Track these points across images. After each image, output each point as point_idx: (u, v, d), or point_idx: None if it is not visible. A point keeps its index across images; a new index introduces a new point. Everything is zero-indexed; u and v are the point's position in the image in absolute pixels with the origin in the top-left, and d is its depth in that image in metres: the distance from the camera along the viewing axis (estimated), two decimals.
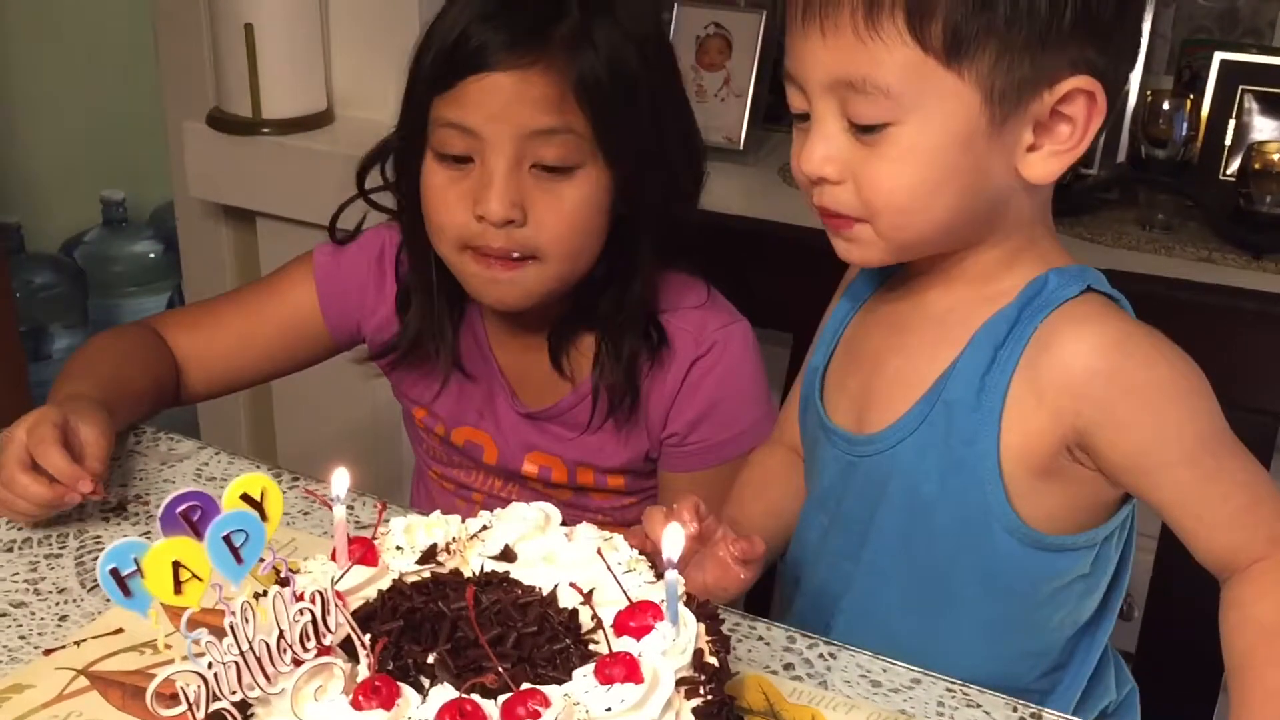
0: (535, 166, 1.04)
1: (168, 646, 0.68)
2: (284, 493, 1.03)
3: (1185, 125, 1.63)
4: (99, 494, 0.94)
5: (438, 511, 0.81)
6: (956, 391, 0.85)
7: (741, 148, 1.82)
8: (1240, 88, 1.62)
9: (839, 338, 0.97)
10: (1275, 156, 1.55)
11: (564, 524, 0.82)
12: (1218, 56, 1.62)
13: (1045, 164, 0.81)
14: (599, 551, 0.75)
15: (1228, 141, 1.65)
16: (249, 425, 2.24)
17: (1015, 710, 0.84)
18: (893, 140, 0.79)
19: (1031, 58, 0.77)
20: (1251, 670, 0.80)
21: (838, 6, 0.77)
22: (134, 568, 0.62)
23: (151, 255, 2.93)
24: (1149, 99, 1.65)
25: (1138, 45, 0.83)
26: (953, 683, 0.86)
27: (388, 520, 0.79)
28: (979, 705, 0.84)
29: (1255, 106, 1.63)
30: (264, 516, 0.65)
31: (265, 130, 1.93)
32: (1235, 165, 1.62)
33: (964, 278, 0.87)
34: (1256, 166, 1.55)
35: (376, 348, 1.22)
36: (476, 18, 1.03)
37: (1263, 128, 1.64)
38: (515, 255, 1.06)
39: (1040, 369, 0.82)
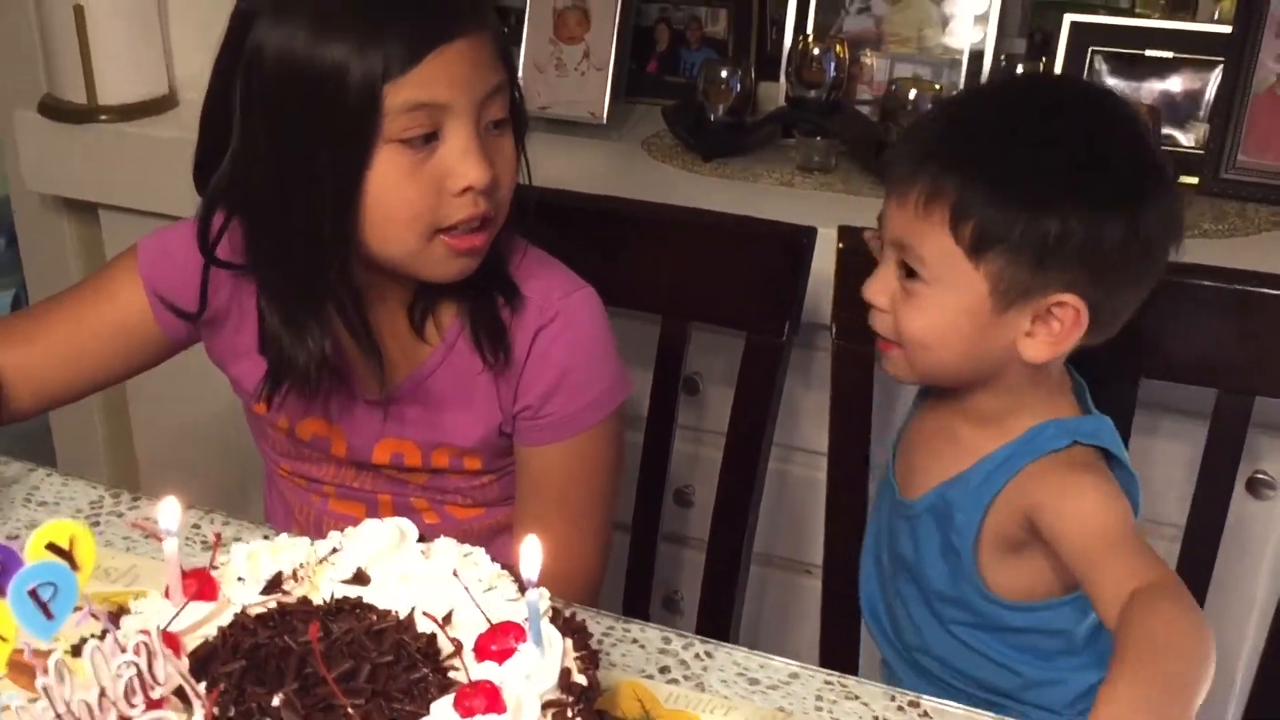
0: (484, 127, 1.02)
1: None
2: (123, 514, 0.98)
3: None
4: None
5: (284, 535, 0.76)
6: (956, 496, 1.07)
7: (605, 121, 1.78)
8: (1090, 49, 1.63)
9: (909, 421, 1.20)
10: None
11: (421, 539, 0.78)
12: (1068, 19, 1.64)
13: (1037, 349, 1.01)
14: (455, 573, 0.71)
15: None
16: (105, 430, 2.13)
17: (893, 699, 0.83)
18: (922, 294, 1.02)
19: (1033, 271, 0.97)
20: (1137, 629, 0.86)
21: (909, 189, 1.00)
22: None
23: None
24: (1003, 62, 1.65)
25: (1141, 281, 1.02)
26: (830, 675, 0.85)
27: (226, 548, 0.74)
28: (857, 697, 0.83)
29: (1105, 67, 1.65)
30: (75, 565, 0.60)
31: (103, 117, 1.84)
32: None
33: (979, 414, 1.08)
34: None
35: (214, 344, 1.16)
36: None
37: (1113, 88, 1.66)
38: (490, 216, 1.03)
39: (1015, 496, 1.04)
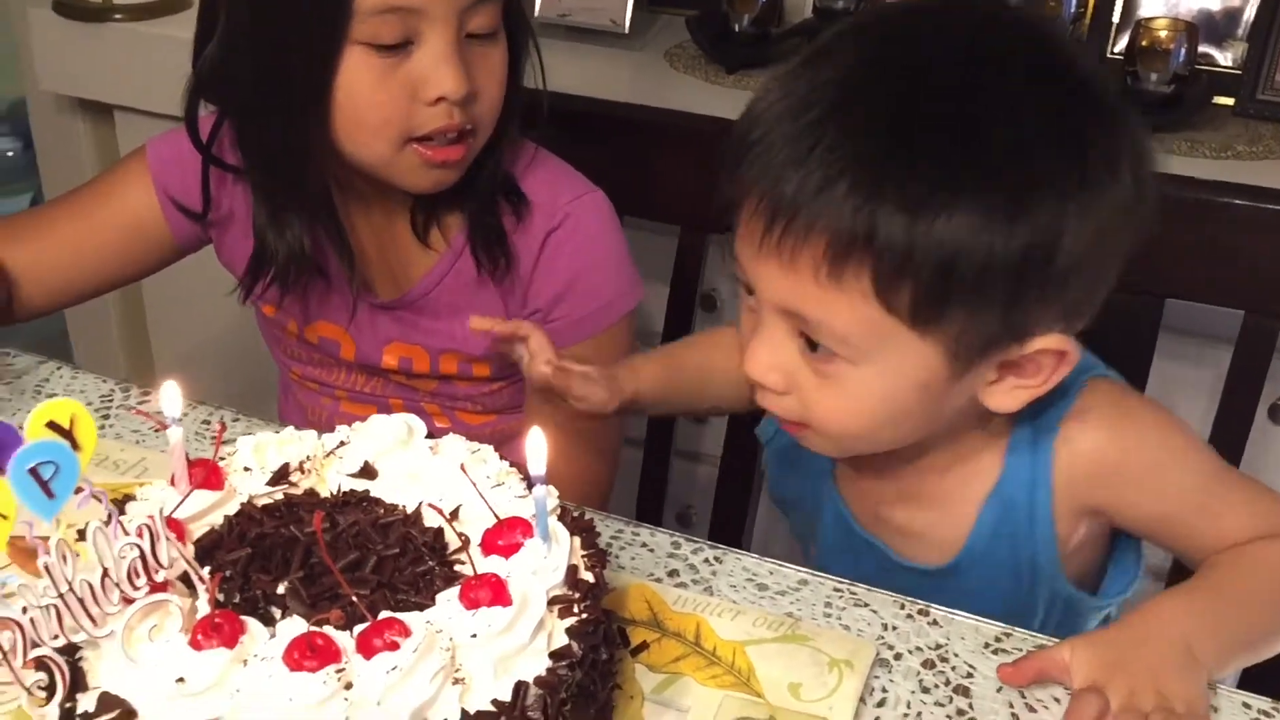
0: (468, 37, 0.99)
1: None
2: (133, 408, 0.98)
3: (1074, 3, 1.59)
4: None
5: (290, 428, 0.75)
6: (1015, 520, 0.85)
7: (627, 31, 1.74)
8: None
9: (834, 469, 0.95)
10: (1162, 34, 1.52)
11: (429, 436, 0.77)
12: None
13: (1008, 397, 0.78)
14: (462, 467, 0.70)
15: (1115, 19, 1.62)
16: (120, 330, 2.13)
17: (903, 607, 0.82)
18: (844, 375, 0.75)
19: (1001, 317, 0.73)
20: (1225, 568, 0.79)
21: (800, 248, 0.71)
22: None
23: (9, 154, 2.76)
24: None
25: (1107, 290, 0.79)
26: (840, 582, 0.84)
27: (232, 441, 0.73)
28: (867, 604, 0.82)
29: None
30: (76, 445, 0.59)
31: (117, 16, 1.81)
32: (1123, 43, 1.59)
33: (946, 462, 0.86)
34: (1144, 44, 1.52)
35: (224, 245, 1.14)
36: None
37: (1150, 5, 1.61)
38: (468, 128, 1.00)
39: (1066, 488, 0.84)
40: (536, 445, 0.65)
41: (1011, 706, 0.74)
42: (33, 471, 0.56)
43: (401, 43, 0.96)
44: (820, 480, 0.94)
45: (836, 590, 0.83)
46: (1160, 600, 0.76)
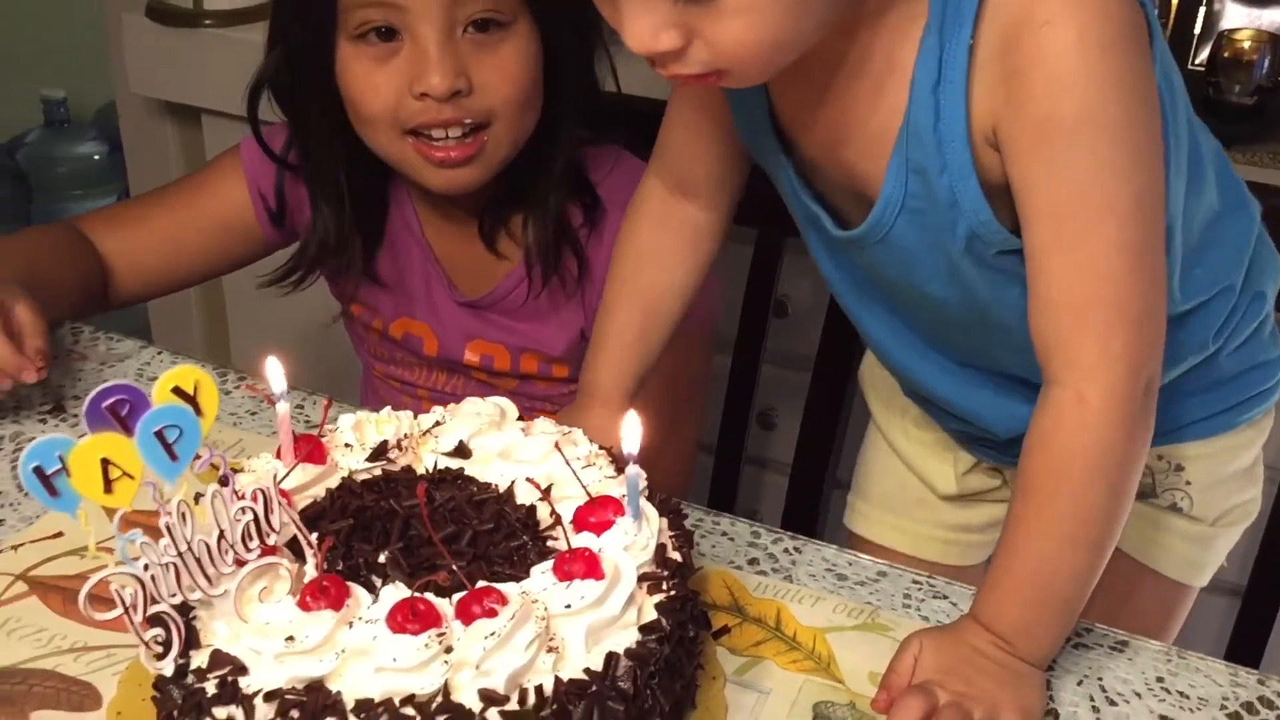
0: (468, 28, 1.00)
1: (103, 552, 0.65)
2: (229, 392, 1.01)
3: (1155, 14, 1.59)
4: (42, 374, 0.93)
5: (388, 408, 0.78)
6: (922, 149, 0.72)
7: None
8: None
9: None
10: (1245, 44, 1.51)
11: (520, 419, 0.79)
12: None
13: None
14: (557, 446, 0.72)
15: (1197, 30, 1.62)
16: (202, 325, 2.19)
17: None
18: None
19: None
20: (1008, 527, 0.75)
21: None
22: (59, 466, 0.58)
23: (96, 156, 2.83)
24: None
25: None
26: (919, 574, 0.85)
27: (335, 418, 0.75)
28: (945, 596, 0.83)
29: None
30: (199, 411, 0.62)
31: (208, 22, 1.86)
32: (1204, 54, 1.58)
33: (860, 60, 0.73)
34: (1226, 55, 1.51)
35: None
36: None
37: (1233, 15, 1.60)
38: (468, 122, 1.01)
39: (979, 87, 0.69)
40: (631, 426, 0.67)
41: (1093, 700, 0.75)
42: (158, 434, 0.59)
43: (389, 36, 0.99)
44: (767, 138, 0.85)
45: (915, 582, 0.84)
46: (985, 597, 0.74)
